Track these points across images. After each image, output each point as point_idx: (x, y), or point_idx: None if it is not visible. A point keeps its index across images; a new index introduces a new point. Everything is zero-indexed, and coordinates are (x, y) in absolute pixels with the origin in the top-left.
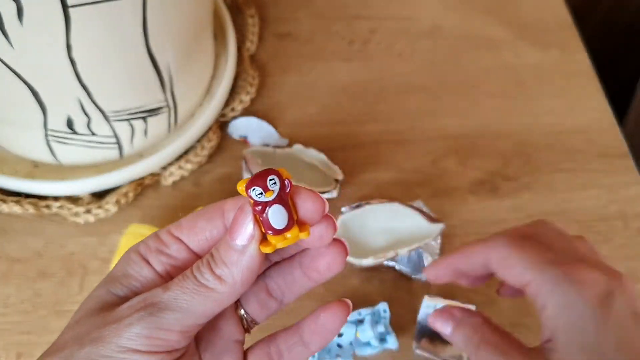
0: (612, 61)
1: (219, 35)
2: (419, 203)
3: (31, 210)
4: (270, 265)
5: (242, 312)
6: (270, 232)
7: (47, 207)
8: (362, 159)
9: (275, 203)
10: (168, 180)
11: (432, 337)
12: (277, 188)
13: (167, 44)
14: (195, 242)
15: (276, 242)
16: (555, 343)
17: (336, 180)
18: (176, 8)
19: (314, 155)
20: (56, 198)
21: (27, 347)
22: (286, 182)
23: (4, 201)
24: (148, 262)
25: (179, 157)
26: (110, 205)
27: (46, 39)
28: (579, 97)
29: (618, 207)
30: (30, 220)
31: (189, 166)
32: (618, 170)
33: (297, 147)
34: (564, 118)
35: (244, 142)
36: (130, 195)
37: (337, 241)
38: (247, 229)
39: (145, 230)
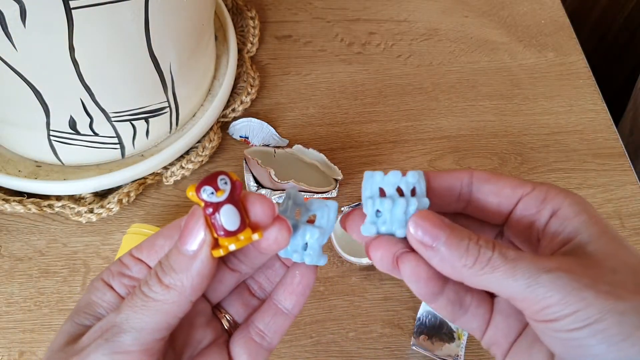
0: (610, 62)
1: (220, 37)
2: None
3: (34, 209)
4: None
5: (227, 316)
6: (223, 233)
7: (50, 206)
8: (361, 159)
9: (227, 203)
10: (170, 179)
11: (430, 334)
12: (228, 188)
13: (169, 46)
14: (155, 261)
15: (229, 243)
16: (582, 236)
17: (336, 180)
18: (178, 10)
19: (314, 155)
20: (59, 198)
21: (29, 345)
22: (237, 184)
23: (7, 201)
24: (111, 287)
25: (181, 157)
26: (112, 205)
27: (49, 41)
28: (575, 97)
29: (614, 206)
30: (33, 220)
31: (190, 166)
32: (614, 170)
33: (297, 147)
34: (560, 118)
35: (244, 142)
36: (132, 194)
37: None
38: (198, 233)
39: (147, 230)
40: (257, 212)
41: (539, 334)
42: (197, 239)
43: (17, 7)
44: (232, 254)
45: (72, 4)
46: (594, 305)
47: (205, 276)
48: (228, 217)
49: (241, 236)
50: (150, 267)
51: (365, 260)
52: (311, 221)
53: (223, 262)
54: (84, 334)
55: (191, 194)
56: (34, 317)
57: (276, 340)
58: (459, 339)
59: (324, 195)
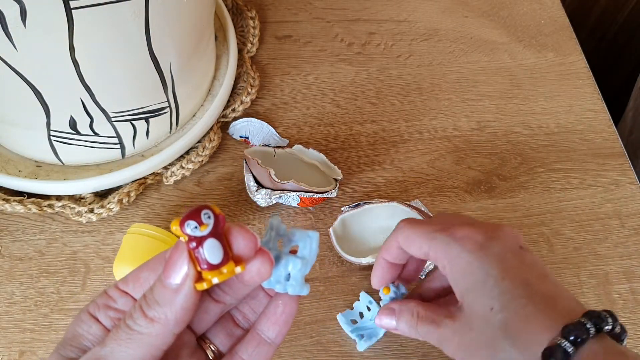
0: (610, 62)
1: (220, 37)
2: (417, 202)
3: (34, 209)
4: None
5: (211, 347)
6: (206, 267)
7: (50, 206)
8: (361, 159)
9: (211, 237)
10: (170, 179)
11: None
12: (211, 222)
13: (169, 46)
14: (141, 294)
15: (212, 276)
16: (460, 293)
17: (335, 180)
18: (178, 10)
19: (314, 155)
20: (59, 197)
21: (29, 345)
22: (220, 217)
23: (7, 201)
24: (97, 319)
25: (181, 157)
26: (112, 205)
27: (49, 41)
28: (574, 97)
29: (613, 206)
30: (33, 220)
31: (190, 166)
32: (613, 170)
33: (297, 147)
34: (560, 118)
35: (244, 142)
36: (133, 194)
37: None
38: (182, 267)
39: (147, 230)
40: (240, 245)
41: None
42: (181, 272)
43: (17, 7)
44: (216, 285)
45: (72, 4)
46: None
47: (189, 309)
48: (211, 251)
49: (224, 269)
50: (135, 300)
51: (365, 260)
52: (294, 251)
53: (207, 293)
54: None
55: (175, 228)
56: (34, 317)
57: None
58: None
59: (324, 195)
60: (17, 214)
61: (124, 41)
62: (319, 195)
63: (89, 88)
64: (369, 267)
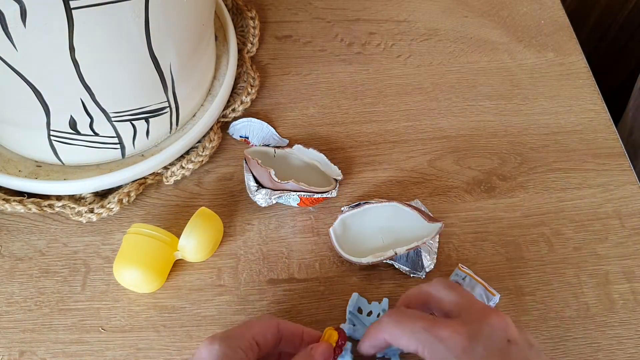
0: (610, 62)
1: (220, 37)
2: (417, 202)
3: (34, 209)
4: None
5: None
6: None
7: (50, 206)
8: (361, 159)
9: None
10: (170, 179)
11: None
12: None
13: (169, 46)
14: None
15: None
16: None
17: (336, 180)
18: (178, 10)
19: (314, 156)
20: (59, 197)
21: (29, 344)
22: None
23: (7, 201)
24: None
25: (181, 157)
26: (112, 205)
27: (49, 41)
28: (574, 97)
29: (613, 206)
30: (33, 220)
31: (190, 166)
32: (613, 170)
33: (297, 147)
34: (560, 118)
35: (244, 142)
36: (133, 194)
37: None
38: None
39: (147, 230)
40: None
41: None
42: None
43: (17, 7)
44: None
45: (72, 4)
46: None
47: None
48: None
49: None
50: None
51: (365, 260)
52: None
53: None
54: None
55: None
56: (34, 317)
57: None
58: None
59: (324, 195)
60: (17, 214)
61: (124, 41)
62: (319, 195)
63: (89, 88)
64: (369, 267)
